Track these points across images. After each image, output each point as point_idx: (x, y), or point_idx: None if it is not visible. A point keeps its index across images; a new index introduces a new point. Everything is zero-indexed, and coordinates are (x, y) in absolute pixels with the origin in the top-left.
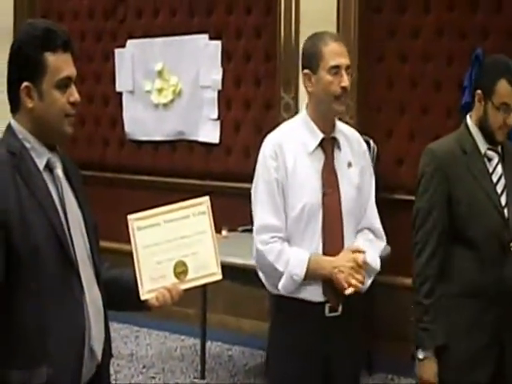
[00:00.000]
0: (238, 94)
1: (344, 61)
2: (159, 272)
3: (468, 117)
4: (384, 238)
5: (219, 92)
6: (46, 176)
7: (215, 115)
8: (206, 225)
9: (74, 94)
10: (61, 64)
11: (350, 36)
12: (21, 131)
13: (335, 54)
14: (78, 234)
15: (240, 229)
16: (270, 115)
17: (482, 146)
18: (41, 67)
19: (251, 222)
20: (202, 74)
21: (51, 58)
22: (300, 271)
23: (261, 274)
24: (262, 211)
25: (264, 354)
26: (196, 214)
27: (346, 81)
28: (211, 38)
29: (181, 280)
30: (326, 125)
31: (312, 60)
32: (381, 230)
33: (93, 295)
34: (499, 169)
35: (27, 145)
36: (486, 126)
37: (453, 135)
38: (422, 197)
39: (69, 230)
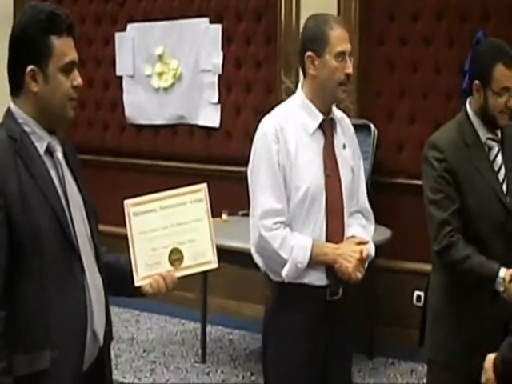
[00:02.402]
0: (239, 78)
1: (348, 47)
2: (154, 259)
3: (468, 104)
4: (373, 219)
5: (219, 76)
6: (47, 160)
7: (215, 99)
8: (202, 212)
9: (77, 79)
10: (65, 48)
11: (351, 19)
12: (21, 116)
13: (342, 39)
14: (78, 217)
15: (240, 213)
16: (271, 99)
17: (483, 135)
18: (46, 50)
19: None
20: (203, 57)
21: (56, 42)
22: (303, 259)
23: (260, 260)
24: (264, 195)
25: None
26: (193, 201)
27: (350, 67)
28: (211, 22)
29: (176, 267)
30: (324, 106)
31: (317, 43)
32: (371, 212)
33: (94, 278)
34: (499, 158)
35: (27, 129)
36: (487, 112)
37: (453, 125)
38: (434, 188)
39: (70, 213)
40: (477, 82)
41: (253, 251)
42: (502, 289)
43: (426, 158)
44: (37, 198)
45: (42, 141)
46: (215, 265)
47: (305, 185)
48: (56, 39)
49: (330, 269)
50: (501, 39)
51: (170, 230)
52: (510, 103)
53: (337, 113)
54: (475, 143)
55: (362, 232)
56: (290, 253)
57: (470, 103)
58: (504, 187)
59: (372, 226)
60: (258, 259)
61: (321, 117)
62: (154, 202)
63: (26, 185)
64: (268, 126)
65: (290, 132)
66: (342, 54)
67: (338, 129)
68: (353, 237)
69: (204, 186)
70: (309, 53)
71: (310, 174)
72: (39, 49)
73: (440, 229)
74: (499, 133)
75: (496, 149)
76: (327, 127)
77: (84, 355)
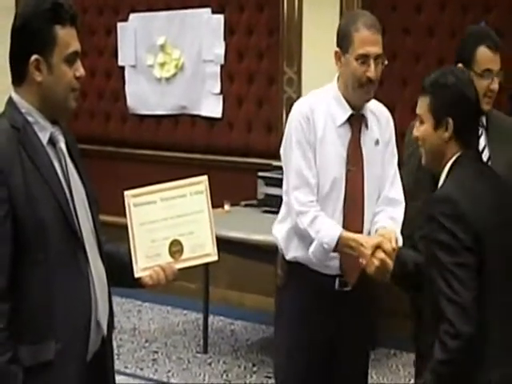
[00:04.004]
0: (241, 69)
1: (373, 50)
2: (154, 250)
3: None
4: (403, 208)
5: (222, 66)
6: (49, 150)
7: (218, 89)
8: (203, 204)
9: (80, 69)
10: (69, 38)
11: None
12: (23, 105)
13: (365, 42)
14: (81, 207)
15: (242, 203)
16: (273, 90)
17: None
18: (51, 40)
19: (254, 197)
20: (205, 48)
21: (61, 32)
22: (330, 240)
23: (279, 236)
24: (297, 171)
25: (266, 328)
26: (193, 193)
27: (372, 71)
28: (214, 12)
29: (176, 259)
30: (355, 102)
31: (343, 41)
32: (402, 201)
33: (97, 268)
34: (482, 141)
35: (30, 119)
36: None
37: None
38: (410, 176)
39: (73, 203)
40: (460, 65)
41: (274, 229)
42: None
43: (408, 142)
44: (41, 189)
45: (45, 131)
46: (215, 257)
47: (324, 174)
48: (60, 29)
49: (346, 260)
50: (503, 30)
51: (170, 222)
52: (493, 86)
53: (376, 108)
54: None
55: (389, 223)
56: (316, 233)
57: None
58: None
59: (400, 210)
60: (277, 235)
61: (350, 111)
62: (154, 194)
63: (30, 175)
64: (300, 106)
65: (319, 118)
66: (364, 56)
67: (372, 124)
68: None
69: (205, 178)
70: (337, 49)
71: (331, 165)
72: (43, 38)
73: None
74: (484, 119)
75: (479, 132)
76: (355, 122)
77: (88, 345)
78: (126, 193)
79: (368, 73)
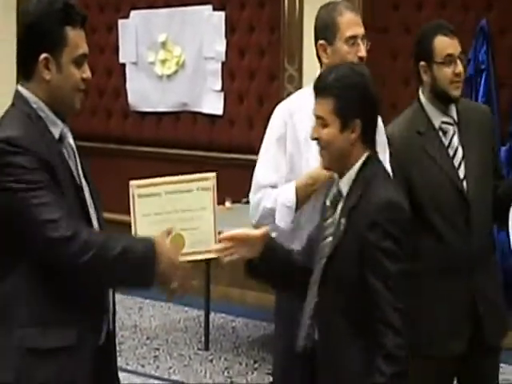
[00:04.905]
0: (242, 66)
1: (360, 30)
2: None
3: (420, 92)
4: None
5: (223, 63)
6: (60, 146)
7: (219, 86)
8: (208, 201)
9: (87, 71)
10: (79, 40)
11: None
12: (34, 100)
13: (351, 23)
14: (90, 204)
15: (243, 200)
16: (274, 86)
17: (436, 121)
18: (62, 40)
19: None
20: (206, 45)
21: (71, 33)
22: (289, 195)
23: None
24: (265, 166)
25: (267, 325)
26: (200, 188)
27: (362, 50)
28: (215, 9)
29: None
30: None
31: (327, 31)
32: None
33: None
34: (455, 141)
35: (42, 114)
36: (438, 89)
37: (407, 115)
38: None
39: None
40: (422, 62)
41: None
42: None
43: None
44: (64, 179)
45: (56, 127)
46: (215, 255)
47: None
48: (71, 30)
49: None
50: (504, 28)
51: (173, 216)
52: (457, 70)
53: None
54: (428, 131)
55: None
56: (274, 201)
57: (421, 91)
58: (460, 172)
59: None
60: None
61: None
62: (159, 186)
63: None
64: (278, 111)
65: (301, 120)
66: (353, 37)
67: None
68: None
69: (213, 175)
70: (321, 41)
71: (317, 164)
72: (54, 38)
73: None
74: (455, 115)
75: (451, 132)
76: None
77: (101, 337)
78: (132, 183)
79: (359, 53)
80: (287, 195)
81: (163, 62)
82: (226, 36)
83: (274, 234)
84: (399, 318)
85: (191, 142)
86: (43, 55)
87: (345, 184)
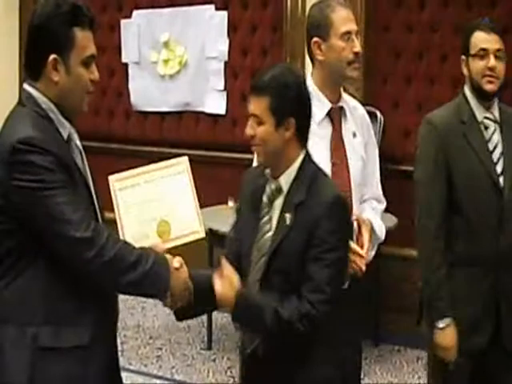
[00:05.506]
0: (245, 65)
1: (354, 26)
2: (142, 232)
3: (465, 86)
4: (384, 202)
5: (225, 63)
6: (68, 147)
7: (221, 86)
8: (185, 184)
9: (95, 73)
10: (87, 41)
11: (357, 6)
12: (44, 101)
13: (346, 19)
14: (96, 204)
15: None
16: None
17: (479, 115)
18: (70, 42)
19: None
20: (209, 44)
21: (80, 34)
22: None
23: None
24: None
25: None
26: (175, 173)
27: (357, 46)
28: (217, 9)
29: (164, 239)
30: (333, 94)
31: (321, 28)
32: (384, 201)
33: None
34: (495, 137)
35: (52, 115)
36: (473, 82)
37: (451, 104)
38: (422, 167)
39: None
40: (462, 56)
41: None
42: None
43: (420, 134)
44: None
45: (65, 128)
46: (202, 234)
47: None
48: (79, 31)
49: None
50: (508, 26)
51: (155, 203)
52: (490, 64)
53: (349, 101)
54: (471, 121)
55: (371, 213)
56: None
57: (466, 85)
58: (498, 168)
59: (383, 206)
60: None
61: (329, 105)
62: (137, 177)
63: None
64: None
65: None
66: (348, 33)
67: (349, 117)
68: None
69: (184, 158)
70: (315, 39)
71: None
72: (62, 40)
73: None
74: (498, 114)
75: (492, 128)
76: (335, 115)
77: (115, 333)
78: (110, 177)
79: (354, 48)
80: None
81: (166, 61)
82: (229, 36)
83: None
84: (331, 291)
85: (194, 141)
86: (52, 56)
87: (285, 181)
